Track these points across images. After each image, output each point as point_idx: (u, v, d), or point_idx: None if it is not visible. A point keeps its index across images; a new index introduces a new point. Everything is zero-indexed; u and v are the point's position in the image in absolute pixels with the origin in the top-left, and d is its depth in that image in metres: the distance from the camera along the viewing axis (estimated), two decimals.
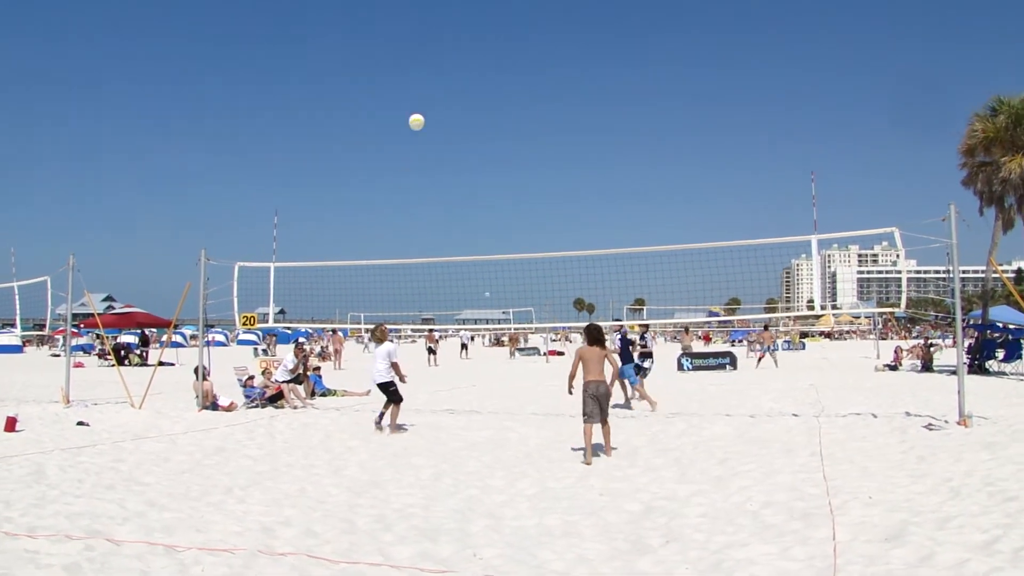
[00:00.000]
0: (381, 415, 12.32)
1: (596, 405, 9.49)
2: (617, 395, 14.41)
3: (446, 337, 63.53)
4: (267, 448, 10.67)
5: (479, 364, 36.59)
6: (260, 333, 58.68)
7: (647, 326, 19.17)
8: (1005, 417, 12.25)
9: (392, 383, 12.23)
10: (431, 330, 39.79)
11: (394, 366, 12.29)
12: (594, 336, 9.85)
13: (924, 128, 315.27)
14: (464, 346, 43.80)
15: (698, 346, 49.09)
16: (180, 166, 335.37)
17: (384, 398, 12.35)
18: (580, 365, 9.72)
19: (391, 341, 12.73)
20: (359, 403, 16.32)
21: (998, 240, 22.33)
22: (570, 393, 10.03)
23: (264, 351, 43.68)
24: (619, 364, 13.99)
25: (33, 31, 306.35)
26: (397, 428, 12.16)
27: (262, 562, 5.46)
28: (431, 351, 35.27)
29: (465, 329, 51.47)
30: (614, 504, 7.21)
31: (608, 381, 9.87)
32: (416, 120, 14.83)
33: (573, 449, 10.10)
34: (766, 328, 34.41)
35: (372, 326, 13.99)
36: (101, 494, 7.63)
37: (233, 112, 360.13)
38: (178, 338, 46.01)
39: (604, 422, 9.68)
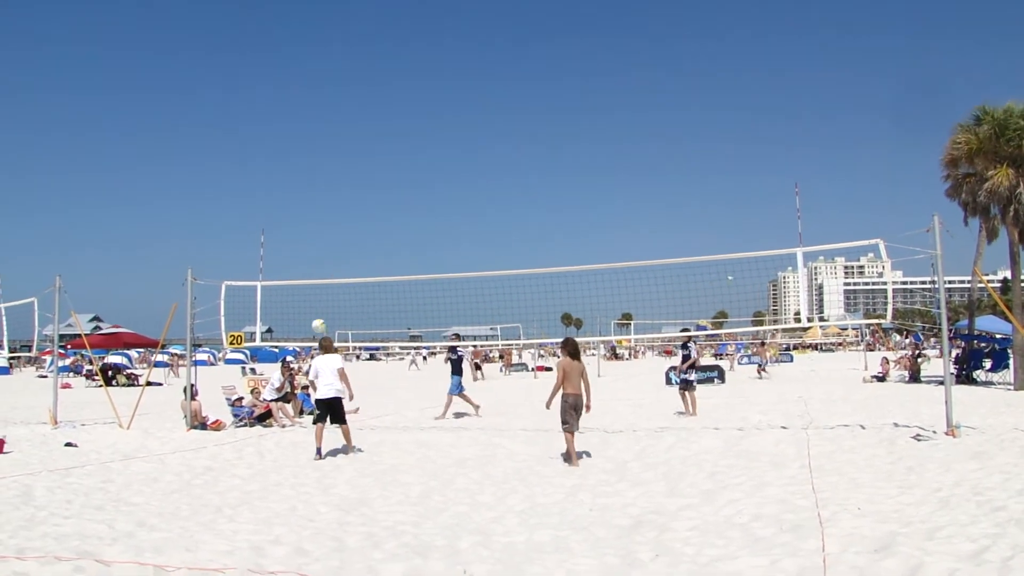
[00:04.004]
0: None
1: (574, 415, 10.11)
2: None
3: (435, 354, 63.34)
4: (256, 467, 10.63)
5: (465, 381, 36.52)
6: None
7: (690, 336, 17.41)
8: (993, 427, 12.34)
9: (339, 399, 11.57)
10: (477, 347, 40.07)
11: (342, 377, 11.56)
12: (573, 351, 10.32)
13: (910, 137, 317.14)
14: (478, 366, 43.42)
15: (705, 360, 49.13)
16: (165, 185, 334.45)
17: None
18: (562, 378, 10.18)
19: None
20: (348, 420, 16.22)
21: (983, 250, 22.43)
22: (547, 407, 10.55)
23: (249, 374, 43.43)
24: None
25: (14, 43, 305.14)
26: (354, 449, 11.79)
27: None
28: (477, 367, 35.66)
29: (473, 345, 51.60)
30: (604, 519, 7.22)
31: (584, 395, 10.28)
32: (318, 326, 15.96)
33: (563, 459, 10.13)
34: (763, 344, 35.68)
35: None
36: (90, 515, 7.59)
37: (220, 128, 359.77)
38: (165, 357, 45.68)
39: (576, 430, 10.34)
